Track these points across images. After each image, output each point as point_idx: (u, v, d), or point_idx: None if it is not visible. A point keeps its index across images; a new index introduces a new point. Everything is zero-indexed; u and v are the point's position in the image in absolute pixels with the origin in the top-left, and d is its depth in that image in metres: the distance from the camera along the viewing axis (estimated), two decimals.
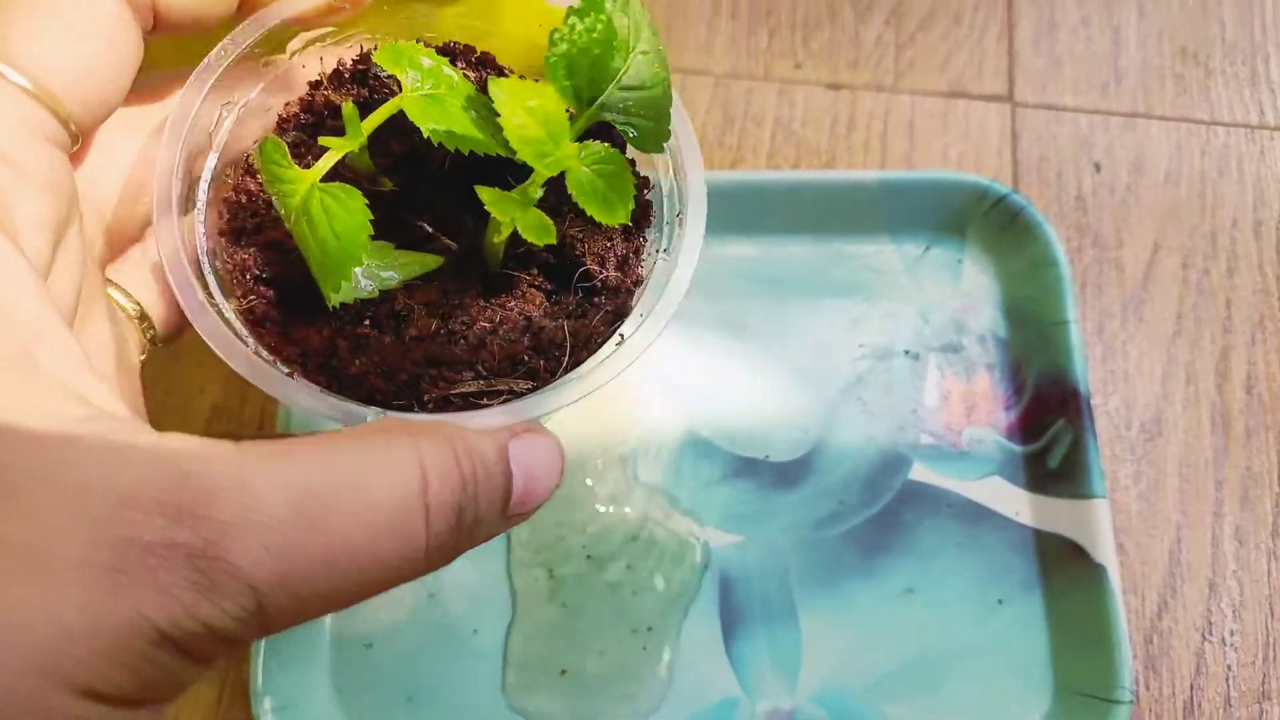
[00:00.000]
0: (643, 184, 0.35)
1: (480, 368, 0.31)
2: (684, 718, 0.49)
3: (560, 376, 0.31)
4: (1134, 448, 0.54)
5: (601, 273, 0.33)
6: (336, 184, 0.29)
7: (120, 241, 0.33)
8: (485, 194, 0.29)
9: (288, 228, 0.30)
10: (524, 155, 0.28)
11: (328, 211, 0.29)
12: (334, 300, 0.30)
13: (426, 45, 0.33)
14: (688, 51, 0.64)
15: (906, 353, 0.56)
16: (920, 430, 0.54)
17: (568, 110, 0.30)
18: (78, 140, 0.29)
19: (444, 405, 0.30)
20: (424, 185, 0.34)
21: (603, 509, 0.52)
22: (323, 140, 0.30)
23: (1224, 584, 0.52)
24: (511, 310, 0.32)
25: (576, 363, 0.32)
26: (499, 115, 0.28)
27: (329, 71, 0.35)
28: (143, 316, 0.32)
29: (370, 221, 0.29)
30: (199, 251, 0.31)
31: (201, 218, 0.32)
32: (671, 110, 0.32)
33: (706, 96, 0.62)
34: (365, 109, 0.32)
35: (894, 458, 0.54)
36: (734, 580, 0.51)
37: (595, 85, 0.30)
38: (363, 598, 0.25)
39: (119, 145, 0.32)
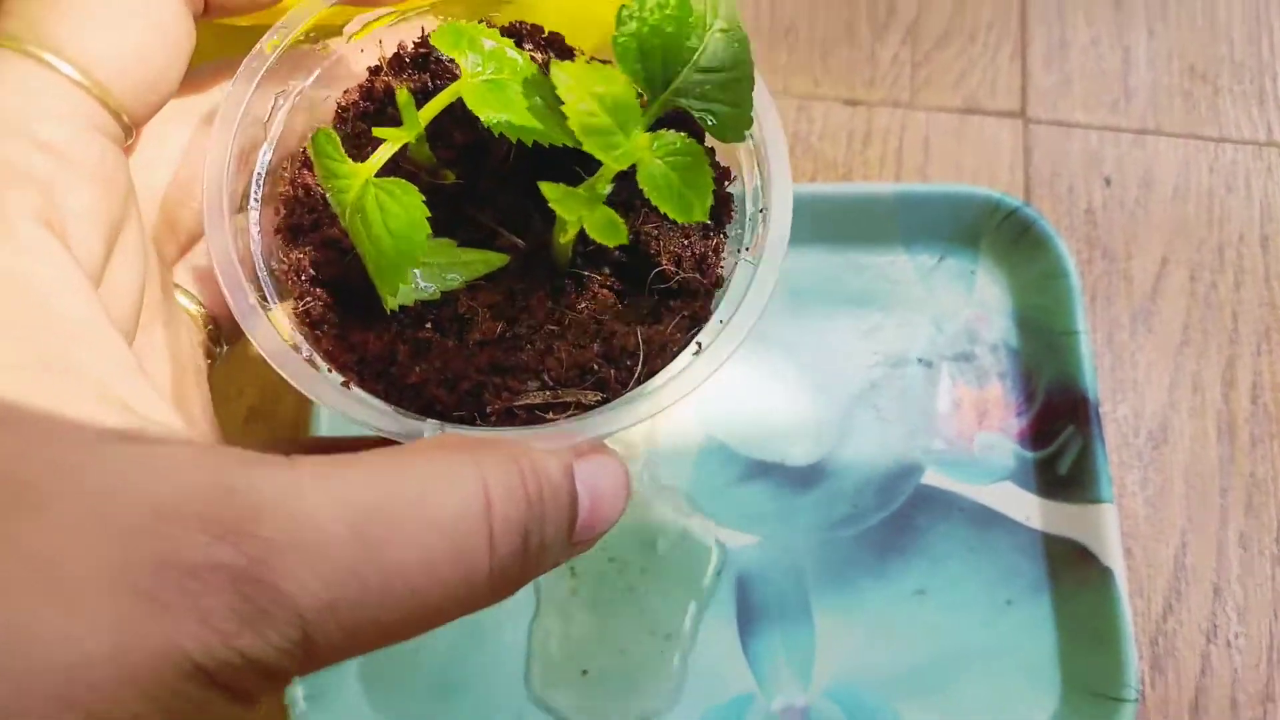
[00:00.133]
0: (722, 175, 0.32)
1: (546, 377, 0.29)
2: (700, 712, 0.51)
3: (632, 388, 0.29)
4: (1141, 454, 0.56)
5: (678, 273, 0.31)
6: (393, 179, 0.27)
7: (185, 240, 0.31)
8: (549, 190, 0.26)
9: (343, 225, 0.28)
10: (590, 147, 0.26)
11: (383, 208, 0.27)
12: (391, 303, 0.28)
13: (490, 25, 0.31)
14: None
15: (920, 360, 0.57)
16: (933, 436, 0.56)
17: (639, 96, 0.27)
18: (130, 133, 0.27)
19: (507, 418, 0.28)
20: (488, 177, 0.32)
21: None
22: (377, 131, 0.28)
23: (1228, 588, 0.53)
24: (581, 313, 0.30)
25: (650, 372, 0.29)
26: (563, 103, 0.26)
27: (389, 56, 0.33)
28: (206, 318, 0.32)
29: (429, 218, 0.27)
30: (253, 252, 0.30)
31: (256, 215, 0.30)
32: (754, 94, 0.29)
33: None
34: (427, 96, 0.30)
35: (907, 462, 0.55)
36: (751, 580, 0.53)
37: (669, 68, 0.27)
38: (419, 631, 0.23)
39: (174, 138, 0.30)
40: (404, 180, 0.27)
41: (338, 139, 0.27)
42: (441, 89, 0.29)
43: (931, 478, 0.55)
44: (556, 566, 0.26)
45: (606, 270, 0.31)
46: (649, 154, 0.27)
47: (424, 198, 0.27)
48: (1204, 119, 0.65)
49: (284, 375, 0.27)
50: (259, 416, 0.56)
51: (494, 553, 0.23)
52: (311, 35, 0.31)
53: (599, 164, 0.27)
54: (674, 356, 0.29)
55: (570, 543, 0.26)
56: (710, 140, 0.31)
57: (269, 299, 0.30)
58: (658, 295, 0.31)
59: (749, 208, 0.31)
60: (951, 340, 0.58)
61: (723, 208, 0.32)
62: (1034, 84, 0.65)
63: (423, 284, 0.29)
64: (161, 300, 0.29)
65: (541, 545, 0.25)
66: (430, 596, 0.22)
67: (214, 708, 0.20)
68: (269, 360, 0.27)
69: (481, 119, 0.27)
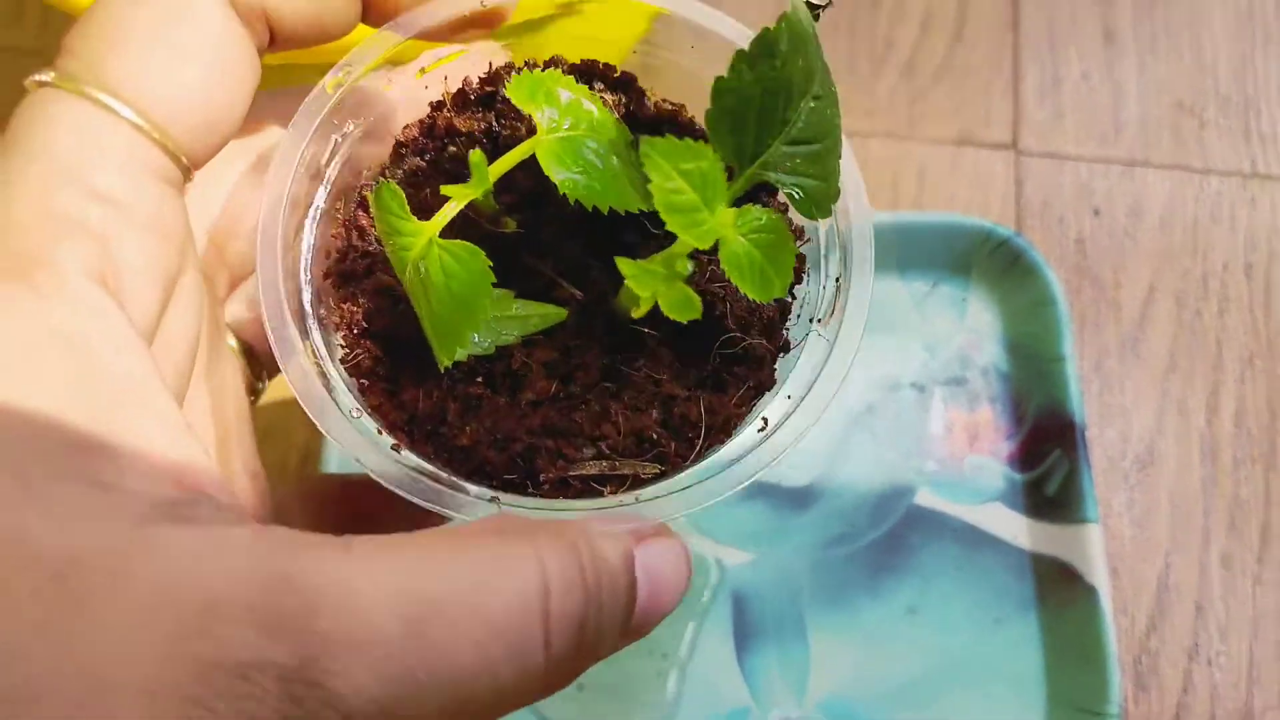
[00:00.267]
0: (796, 234, 0.30)
1: (603, 445, 0.27)
2: None
3: (692, 462, 0.28)
4: (1128, 477, 0.57)
5: (744, 339, 0.29)
6: (458, 242, 0.26)
7: (236, 275, 0.31)
8: (625, 266, 0.25)
9: (401, 282, 0.27)
10: (674, 226, 0.25)
11: (446, 271, 0.26)
12: (446, 363, 0.27)
13: (559, 64, 0.30)
14: None
15: (914, 385, 0.59)
16: (925, 458, 0.57)
17: (725, 167, 0.26)
18: (189, 174, 0.26)
19: (561, 488, 0.27)
20: (549, 224, 0.30)
21: None
22: (445, 189, 0.27)
23: (1211, 607, 0.55)
24: (640, 373, 0.28)
25: (710, 445, 0.28)
26: (649, 181, 0.24)
27: (452, 92, 0.32)
28: (249, 354, 0.31)
29: (491, 270, 0.26)
30: (302, 298, 0.28)
31: (307, 260, 0.29)
32: (842, 162, 0.28)
33: None
34: (490, 136, 0.28)
35: (900, 484, 0.57)
36: (747, 597, 0.55)
37: (760, 141, 0.26)
38: None
39: (225, 175, 0.29)
40: (470, 244, 0.26)
41: (402, 195, 0.26)
42: (504, 130, 0.28)
43: (924, 498, 0.57)
44: (613, 654, 0.25)
45: (666, 327, 0.29)
46: (733, 232, 0.26)
47: (489, 263, 0.26)
48: (1191, 152, 0.66)
49: (327, 434, 0.26)
50: (271, 436, 0.57)
51: (549, 648, 0.22)
52: (380, 70, 0.30)
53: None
54: (737, 430, 0.28)
55: (622, 632, 0.25)
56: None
57: (317, 350, 0.28)
58: (721, 359, 0.29)
59: (823, 271, 0.30)
60: (944, 365, 0.60)
61: (795, 270, 0.30)
62: (1026, 117, 0.68)
63: (477, 339, 0.28)
64: (217, 345, 0.28)
65: (598, 636, 0.23)
66: (483, 695, 0.21)
67: None
68: (315, 421, 0.26)
69: (556, 184, 0.26)
